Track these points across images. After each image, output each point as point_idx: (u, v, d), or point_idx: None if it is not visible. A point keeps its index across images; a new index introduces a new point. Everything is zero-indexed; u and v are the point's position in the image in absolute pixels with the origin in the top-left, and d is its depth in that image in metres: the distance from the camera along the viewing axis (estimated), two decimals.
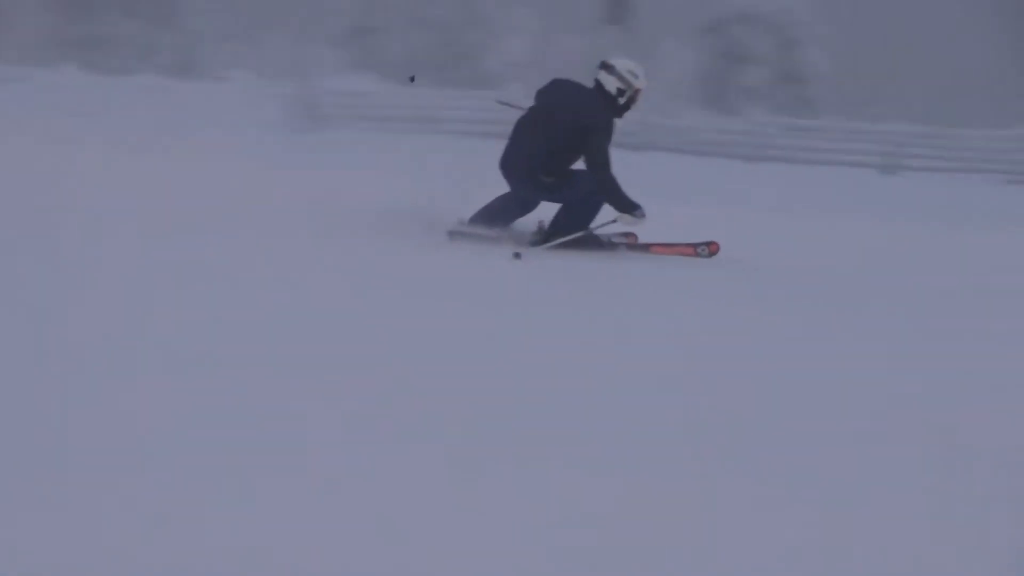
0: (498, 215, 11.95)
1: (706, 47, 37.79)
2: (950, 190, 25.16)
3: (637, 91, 11.85)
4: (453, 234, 11.93)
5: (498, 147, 12.03)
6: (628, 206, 11.57)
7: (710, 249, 12.18)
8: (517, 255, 11.48)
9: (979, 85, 33.42)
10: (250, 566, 5.03)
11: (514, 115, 12.09)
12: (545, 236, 11.96)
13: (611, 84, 11.79)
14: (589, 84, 11.90)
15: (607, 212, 11.78)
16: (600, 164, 11.61)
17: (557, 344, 8.36)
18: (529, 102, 12.04)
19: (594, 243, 12.01)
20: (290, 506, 5.53)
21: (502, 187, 12.03)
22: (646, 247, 12.27)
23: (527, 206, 11.95)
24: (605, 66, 11.86)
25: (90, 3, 38.88)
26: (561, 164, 11.80)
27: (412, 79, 14.11)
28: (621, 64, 11.85)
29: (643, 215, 11.55)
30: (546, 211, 12.10)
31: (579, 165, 11.89)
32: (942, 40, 35.39)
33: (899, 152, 28.74)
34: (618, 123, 11.83)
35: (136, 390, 6.74)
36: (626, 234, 12.29)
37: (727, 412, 7.08)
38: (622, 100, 11.84)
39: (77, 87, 30.43)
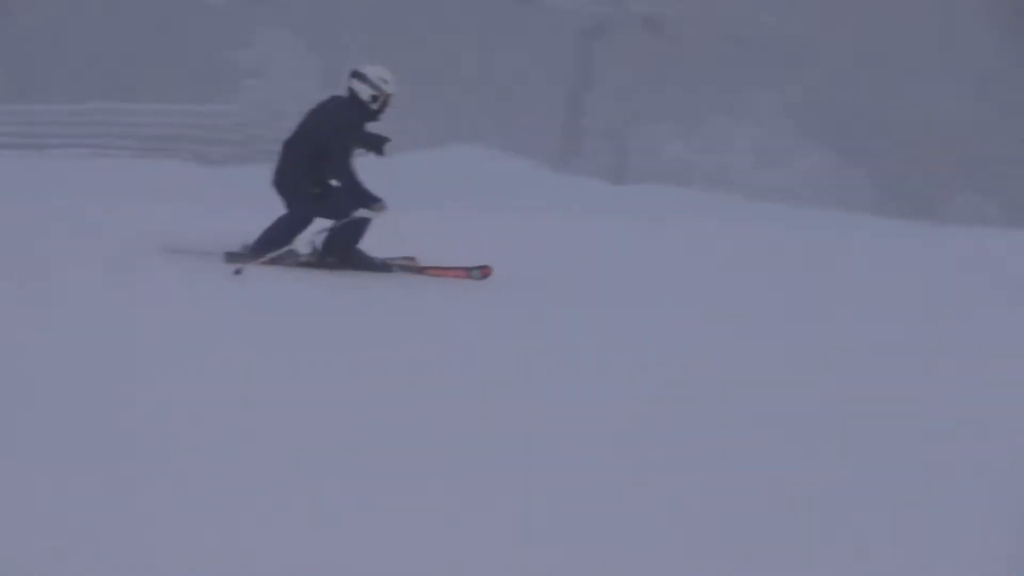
0: (278, 236, 12.43)
1: None
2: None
3: (388, 96, 12.42)
4: (234, 259, 12.40)
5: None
6: (366, 199, 12.23)
7: (482, 272, 12.74)
8: (238, 271, 12.05)
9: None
10: None
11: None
12: (320, 253, 12.61)
13: (364, 92, 12.37)
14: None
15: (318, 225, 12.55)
16: (336, 159, 12.25)
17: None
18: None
19: (369, 265, 12.67)
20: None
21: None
22: (421, 269, 12.86)
23: (303, 222, 12.50)
24: (357, 75, 12.42)
25: None
26: (324, 173, 12.39)
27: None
28: (372, 72, 12.42)
29: (383, 207, 12.24)
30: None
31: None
32: None
33: None
34: (372, 126, 12.52)
35: None
36: (406, 257, 12.94)
37: None
38: (375, 106, 12.41)
39: None
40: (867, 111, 30.01)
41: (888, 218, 22.60)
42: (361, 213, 12.33)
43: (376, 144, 12.61)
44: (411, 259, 12.97)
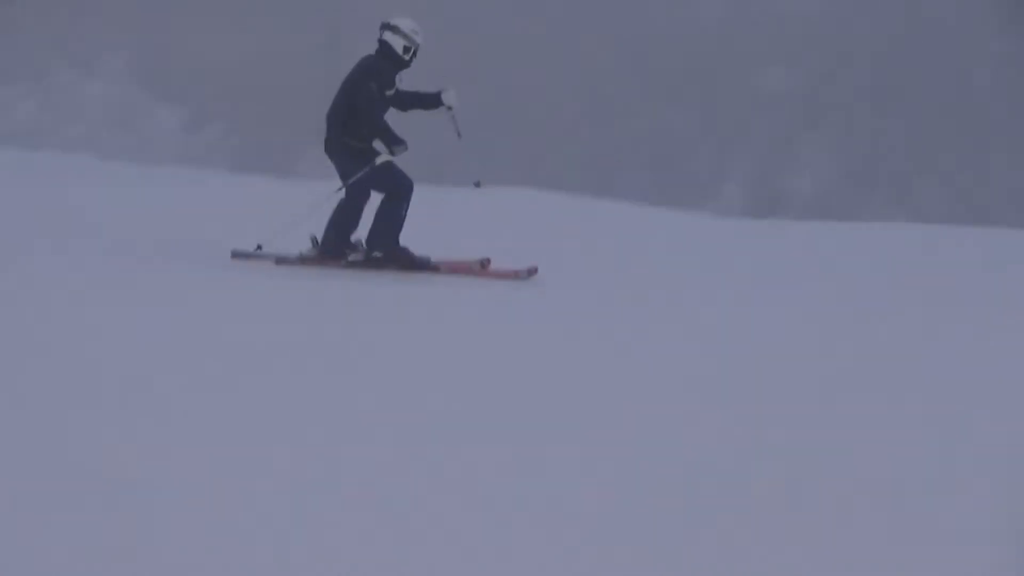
0: (346, 219, 12.63)
1: None
2: None
3: (418, 46, 12.75)
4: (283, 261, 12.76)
5: None
6: (391, 141, 12.38)
7: (529, 272, 12.73)
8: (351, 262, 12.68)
9: None
10: None
11: None
12: (366, 252, 12.75)
13: (398, 44, 12.67)
14: None
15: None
16: (362, 101, 12.45)
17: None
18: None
19: (415, 263, 12.71)
20: None
21: None
22: (478, 267, 12.75)
23: (360, 194, 12.60)
24: (390, 27, 12.68)
25: None
26: (360, 124, 12.53)
27: (478, 184, 13.88)
28: (405, 24, 12.69)
29: (404, 149, 12.40)
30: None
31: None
32: None
33: None
34: (402, 75, 12.78)
35: None
36: (481, 259, 12.86)
37: None
38: (407, 56, 12.72)
39: None
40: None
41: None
42: (381, 159, 12.44)
43: (384, 137, 12.54)
44: (486, 261, 12.83)
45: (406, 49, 12.72)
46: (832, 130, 32.03)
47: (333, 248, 12.74)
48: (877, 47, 32.79)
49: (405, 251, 12.77)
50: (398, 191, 12.60)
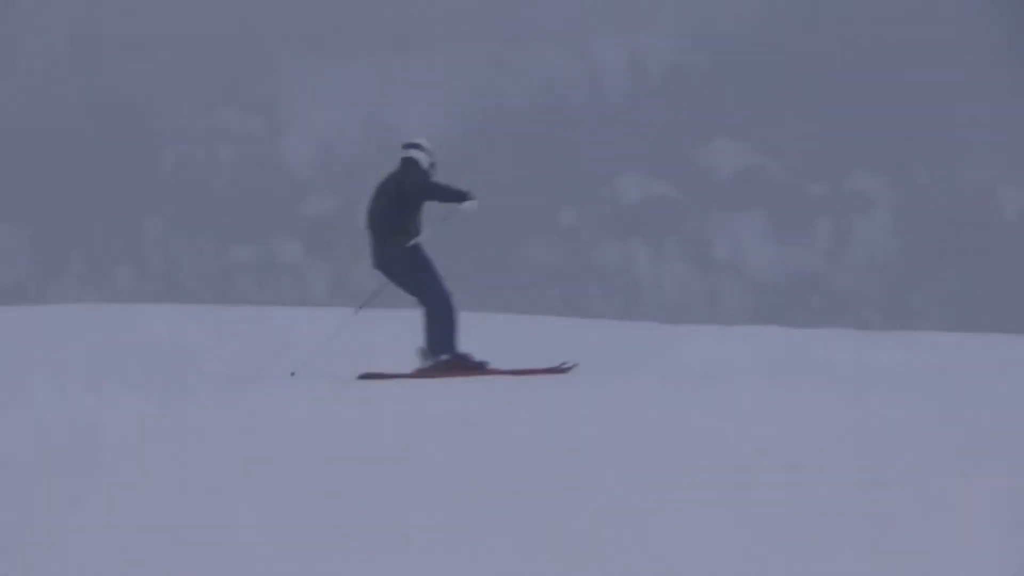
0: (444, 329, 13.65)
1: None
2: None
3: (436, 162, 14.11)
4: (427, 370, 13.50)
5: None
6: (460, 195, 13.69)
7: (565, 368, 13.79)
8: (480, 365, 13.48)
9: None
10: None
11: None
12: (431, 362, 13.55)
13: (425, 160, 14.02)
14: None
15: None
16: (421, 183, 13.73)
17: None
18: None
19: (474, 366, 13.57)
20: None
21: None
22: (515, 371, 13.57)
23: (436, 297, 13.66)
24: (415, 145, 14.05)
25: None
26: (406, 219, 13.77)
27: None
28: (425, 143, 14.11)
29: (475, 197, 13.65)
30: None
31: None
32: None
33: None
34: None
35: None
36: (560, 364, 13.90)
37: None
38: (432, 171, 14.07)
39: None
40: None
41: None
42: (468, 204, 13.64)
43: (458, 196, 13.72)
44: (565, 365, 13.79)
45: (432, 165, 14.06)
46: None
47: (454, 350, 13.59)
48: None
49: (466, 357, 13.65)
50: (444, 294, 13.70)
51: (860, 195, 49.86)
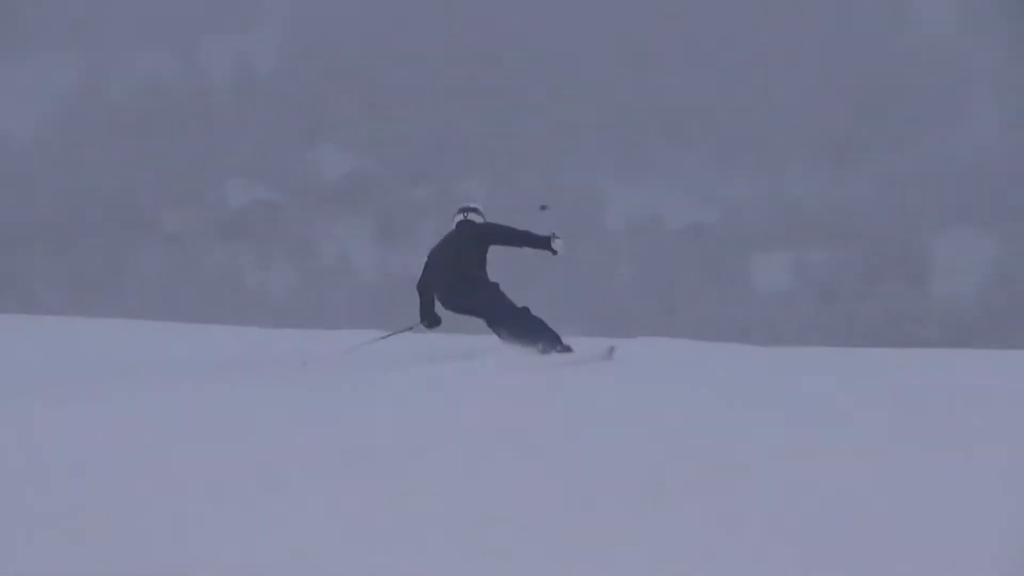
0: (534, 323, 14.33)
1: None
2: None
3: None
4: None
5: None
6: (546, 241, 14.54)
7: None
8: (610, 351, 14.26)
9: None
10: None
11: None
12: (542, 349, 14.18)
13: (479, 220, 14.88)
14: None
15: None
16: (508, 230, 14.66)
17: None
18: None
19: (563, 345, 14.26)
20: None
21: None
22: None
23: (505, 309, 14.42)
24: (471, 209, 14.97)
25: None
26: (470, 266, 14.58)
27: (544, 207, 15.69)
28: (478, 204, 15.11)
29: (560, 237, 14.53)
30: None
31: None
32: None
33: None
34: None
35: None
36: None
37: None
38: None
39: None
40: None
41: None
42: (557, 244, 14.49)
43: (543, 241, 14.52)
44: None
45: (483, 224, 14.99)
46: None
47: (553, 336, 14.26)
48: None
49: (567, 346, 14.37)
50: (519, 313, 14.42)
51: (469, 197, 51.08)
